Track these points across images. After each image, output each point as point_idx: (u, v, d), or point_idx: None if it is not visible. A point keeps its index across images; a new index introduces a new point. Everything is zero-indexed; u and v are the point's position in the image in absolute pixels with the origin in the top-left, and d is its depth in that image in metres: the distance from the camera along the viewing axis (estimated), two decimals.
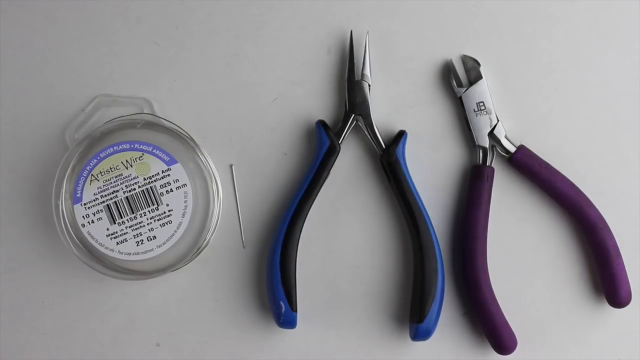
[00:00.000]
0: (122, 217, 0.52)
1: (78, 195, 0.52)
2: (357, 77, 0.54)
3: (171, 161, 0.53)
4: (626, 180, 0.55)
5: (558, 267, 0.55)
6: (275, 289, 0.52)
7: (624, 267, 0.53)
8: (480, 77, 0.54)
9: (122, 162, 0.53)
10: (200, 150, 0.54)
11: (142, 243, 0.53)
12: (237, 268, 0.55)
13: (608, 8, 0.56)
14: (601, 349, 0.55)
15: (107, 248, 0.53)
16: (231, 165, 0.54)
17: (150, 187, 0.53)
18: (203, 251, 0.54)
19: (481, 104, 0.54)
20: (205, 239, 0.54)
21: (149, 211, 0.53)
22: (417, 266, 0.53)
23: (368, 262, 0.55)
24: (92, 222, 0.52)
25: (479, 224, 0.53)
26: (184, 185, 0.53)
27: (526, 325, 0.54)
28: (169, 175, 0.53)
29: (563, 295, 0.55)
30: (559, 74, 0.56)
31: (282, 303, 0.52)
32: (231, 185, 0.55)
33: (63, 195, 0.53)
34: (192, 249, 0.53)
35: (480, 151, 0.54)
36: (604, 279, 0.54)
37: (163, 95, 0.55)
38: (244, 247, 0.55)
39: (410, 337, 0.53)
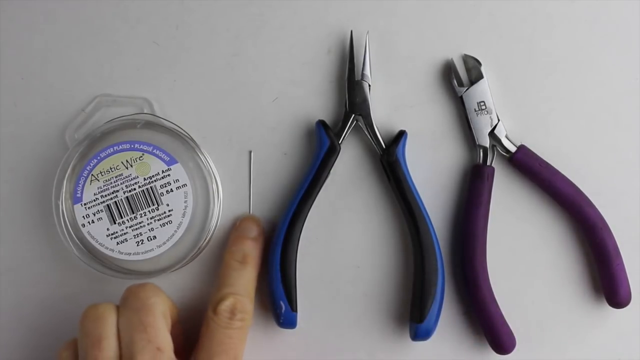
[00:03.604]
0: (122, 217, 0.52)
1: (78, 195, 0.52)
2: (357, 77, 0.54)
3: (171, 161, 0.53)
4: (626, 180, 0.55)
5: (558, 267, 0.55)
6: (275, 289, 0.52)
7: (623, 267, 0.53)
8: (481, 76, 0.54)
9: (122, 162, 0.53)
10: (200, 150, 0.54)
11: (142, 243, 0.53)
12: None
13: (608, 8, 0.56)
14: (601, 349, 0.55)
15: (107, 248, 0.53)
16: (250, 152, 0.54)
17: (151, 187, 0.53)
18: (203, 251, 0.54)
19: (482, 103, 0.54)
20: (205, 239, 0.54)
21: (149, 211, 0.53)
22: (417, 266, 0.53)
23: (368, 262, 0.55)
24: (92, 222, 0.52)
25: (479, 223, 0.53)
26: (184, 185, 0.53)
27: (526, 325, 0.54)
28: (169, 175, 0.53)
29: (563, 295, 0.55)
30: (559, 74, 0.56)
31: (282, 303, 0.52)
32: (232, 185, 0.55)
33: (63, 195, 0.53)
34: (192, 249, 0.53)
35: (481, 151, 0.54)
36: (604, 279, 0.54)
37: (163, 95, 0.55)
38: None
39: (410, 337, 0.53)
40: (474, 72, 0.55)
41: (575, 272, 0.55)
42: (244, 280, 0.51)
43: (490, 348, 0.53)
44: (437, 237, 0.53)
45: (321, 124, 0.54)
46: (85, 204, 0.52)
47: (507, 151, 0.54)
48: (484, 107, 0.54)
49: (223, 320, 0.49)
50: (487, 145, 0.54)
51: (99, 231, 0.52)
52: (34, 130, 0.55)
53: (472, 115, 0.54)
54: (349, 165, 0.55)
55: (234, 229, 0.53)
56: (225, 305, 0.49)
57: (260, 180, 0.55)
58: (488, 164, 0.54)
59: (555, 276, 0.55)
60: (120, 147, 0.53)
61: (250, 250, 0.52)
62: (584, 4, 0.56)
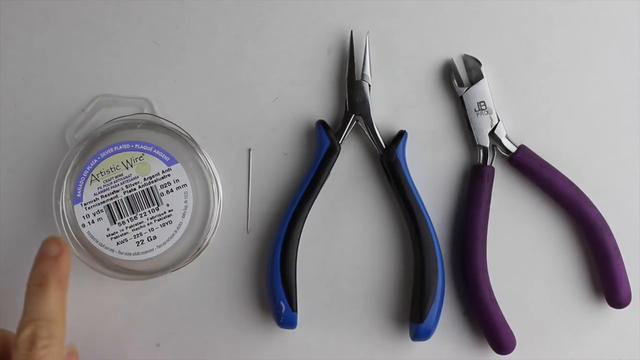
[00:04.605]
0: (122, 217, 0.52)
1: (78, 195, 0.52)
2: (357, 77, 0.54)
3: (171, 161, 0.53)
4: (626, 180, 0.55)
5: (558, 267, 0.55)
6: (275, 289, 0.52)
7: (624, 267, 0.53)
8: (481, 76, 0.54)
9: (122, 162, 0.53)
10: (200, 150, 0.54)
11: (142, 243, 0.53)
12: (237, 268, 0.55)
13: (608, 8, 0.56)
14: (601, 349, 0.55)
15: (107, 248, 0.53)
16: (249, 150, 0.54)
17: (151, 187, 0.53)
18: (203, 251, 0.54)
19: (482, 103, 0.54)
20: (205, 239, 0.54)
21: (149, 211, 0.53)
22: (417, 266, 0.53)
23: (368, 262, 0.55)
24: (93, 222, 0.52)
25: (479, 224, 0.53)
26: (184, 185, 0.53)
27: (526, 325, 0.54)
28: (169, 175, 0.53)
29: (563, 295, 0.55)
30: (559, 74, 0.56)
31: (282, 303, 0.52)
32: (232, 185, 0.55)
33: (63, 195, 0.53)
34: (192, 249, 0.53)
35: (481, 151, 0.54)
36: (604, 279, 0.54)
37: (163, 95, 0.55)
38: (247, 232, 0.54)
39: (411, 337, 0.53)
40: (474, 72, 0.55)
41: (575, 272, 0.55)
42: (45, 304, 0.47)
43: (490, 348, 0.53)
44: (437, 237, 0.53)
45: (321, 124, 0.54)
46: (85, 204, 0.52)
47: (507, 151, 0.54)
48: (484, 107, 0.54)
49: (22, 353, 0.45)
50: (487, 145, 0.54)
51: (99, 231, 0.52)
52: (34, 130, 0.55)
53: (472, 115, 0.54)
54: (349, 165, 0.55)
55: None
56: (24, 335, 0.45)
57: (261, 181, 0.55)
58: (488, 164, 0.54)
59: (555, 276, 0.55)
60: (120, 147, 0.53)
61: (50, 270, 0.48)
62: (585, 4, 0.56)
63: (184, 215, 0.53)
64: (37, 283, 0.47)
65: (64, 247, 0.49)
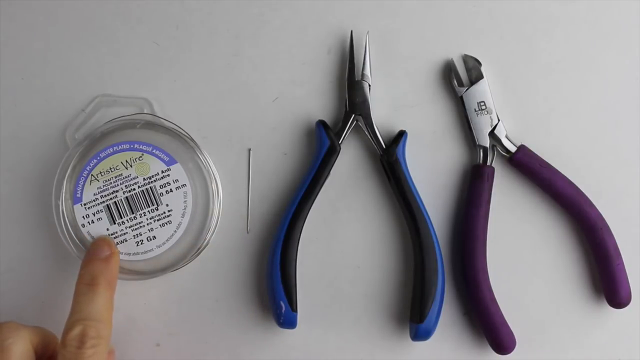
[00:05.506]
0: (122, 217, 0.52)
1: (78, 195, 0.52)
2: (357, 77, 0.54)
3: (171, 161, 0.53)
4: (626, 180, 0.55)
5: (558, 267, 0.55)
6: (275, 289, 0.52)
7: (624, 267, 0.53)
8: (481, 76, 0.54)
9: (122, 162, 0.53)
10: (200, 150, 0.54)
11: (142, 243, 0.53)
12: (237, 268, 0.55)
13: (608, 8, 0.56)
14: (601, 349, 0.55)
15: None
16: (249, 149, 0.54)
17: (150, 187, 0.53)
18: (203, 251, 0.54)
19: (482, 103, 0.54)
20: (205, 239, 0.54)
21: (148, 211, 0.53)
22: (417, 266, 0.53)
23: (368, 262, 0.55)
24: (92, 222, 0.52)
25: (479, 224, 0.53)
26: (184, 185, 0.53)
27: (526, 325, 0.54)
28: (168, 175, 0.53)
29: (563, 295, 0.55)
30: (559, 74, 0.56)
31: (282, 303, 0.52)
32: (231, 185, 0.55)
33: (63, 195, 0.53)
34: (192, 249, 0.53)
35: (481, 151, 0.54)
36: (604, 279, 0.54)
37: (163, 95, 0.55)
38: (247, 232, 0.54)
39: (411, 337, 0.53)
40: (474, 72, 0.55)
41: (575, 272, 0.55)
42: (94, 304, 0.47)
43: (490, 348, 0.53)
44: (437, 237, 0.53)
45: (321, 124, 0.54)
46: (85, 204, 0.52)
47: (507, 151, 0.54)
48: (484, 107, 0.54)
49: (70, 351, 0.45)
50: (487, 145, 0.54)
51: (99, 231, 0.52)
52: (34, 130, 0.55)
53: (472, 115, 0.54)
54: (349, 165, 0.55)
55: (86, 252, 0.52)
56: (73, 334, 0.45)
57: (260, 180, 0.55)
58: (488, 164, 0.54)
59: (555, 276, 0.55)
60: (120, 147, 0.53)
61: (100, 271, 0.49)
62: (585, 4, 0.56)
63: (183, 215, 0.53)
64: (87, 282, 0.48)
65: (114, 249, 0.51)
